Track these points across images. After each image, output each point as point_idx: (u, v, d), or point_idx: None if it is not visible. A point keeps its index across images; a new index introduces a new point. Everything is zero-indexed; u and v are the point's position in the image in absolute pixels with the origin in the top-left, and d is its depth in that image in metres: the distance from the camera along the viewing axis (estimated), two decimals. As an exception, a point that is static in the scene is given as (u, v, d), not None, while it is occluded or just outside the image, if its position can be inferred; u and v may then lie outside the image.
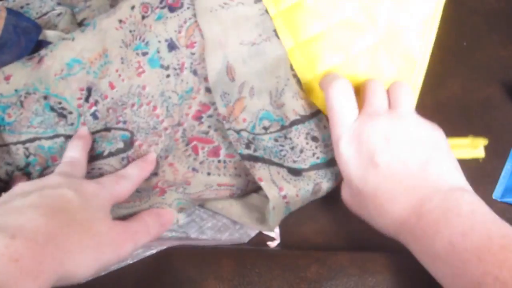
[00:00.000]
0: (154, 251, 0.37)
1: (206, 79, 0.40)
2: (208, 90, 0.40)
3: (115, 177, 0.36)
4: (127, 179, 0.36)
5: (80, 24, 0.49)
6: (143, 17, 0.41)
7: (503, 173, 0.42)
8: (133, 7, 0.41)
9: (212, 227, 0.40)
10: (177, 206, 0.38)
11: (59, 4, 0.52)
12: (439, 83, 0.43)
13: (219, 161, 0.39)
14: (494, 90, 0.45)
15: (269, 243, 0.39)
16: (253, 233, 0.40)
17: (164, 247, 0.37)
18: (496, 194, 0.41)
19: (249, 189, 0.39)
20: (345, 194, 0.36)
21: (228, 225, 0.40)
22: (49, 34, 0.47)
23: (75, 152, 0.37)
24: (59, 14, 0.50)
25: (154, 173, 0.40)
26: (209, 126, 0.40)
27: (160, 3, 0.40)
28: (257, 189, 0.40)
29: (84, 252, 0.29)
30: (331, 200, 0.40)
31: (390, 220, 0.32)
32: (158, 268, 0.36)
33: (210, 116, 0.40)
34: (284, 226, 0.39)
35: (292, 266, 0.35)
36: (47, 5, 0.51)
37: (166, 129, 0.40)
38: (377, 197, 0.32)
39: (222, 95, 0.39)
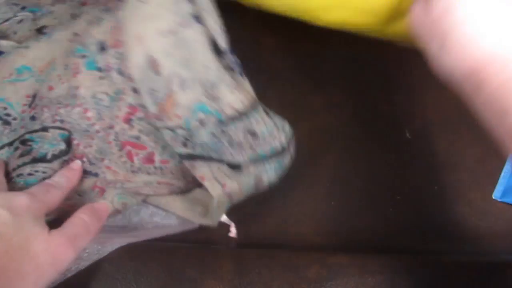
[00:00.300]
0: (110, 249, 0.37)
1: (131, 79, 0.38)
2: (134, 90, 0.38)
3: (44, 185, 0.36)
4: (56, 187, 0.36)
5: (39, 31, 0.48)
6: (89, 24, 0.41)
7: (503, 173, 0.42)
8: (88, 20, 0.42)
9: (165, 216, 0.40)
10: (118, 201, 0.37)
11: (23, 8, 0.51)
12: (439, 83, 0.43)
13: (155, 167, 0.39)
14: (494, 90, 0.45)
15: (230, 234, 0.39)
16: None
17: (117, 244, 0.38)
18: (496, 194, 0.41)
19: (190, 188, 0.39)
20: (418, 10, 0.30)
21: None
22: (3, 44, 0.47)
23: None
24: (20, 21, 0.50)
25: (95, 174, 0.40)
26: (140, 130, 0.39)
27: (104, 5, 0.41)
28: (199, 185, 0.39)
29: (24, 279, 0.28)
30: (331, 200, 0.40)
31: (465, 59, 0.27)
32: (158, 268, 0.36)
33: (140, 119, 0.39)
34: (284, 226, 0.39)
35: (292, 266, 0.35)
36: (12, 10, 0.51)
37: (98, 132, 0.40)
38: (461, 28, 0.27)
39: (150, 93, 0.37)
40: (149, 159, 0.39)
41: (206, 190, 0.38)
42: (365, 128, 0.44)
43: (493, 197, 0.41)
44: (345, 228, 0.40)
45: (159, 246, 0.38)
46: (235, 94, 0.37)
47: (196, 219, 0.38)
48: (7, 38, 0.47)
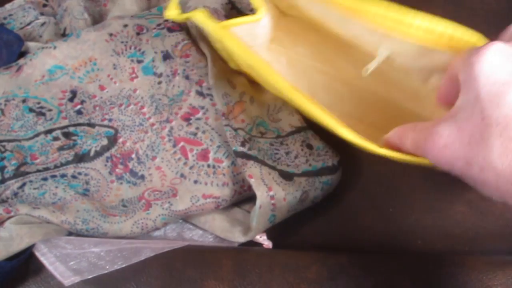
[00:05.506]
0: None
1: (197, 83, 0.42)
2: (199, 93, 0.41)
3: None
4: None
5: (64, 35, 0.50)
6: (138, 34, 0.44)
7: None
8: (126, 26, 0.44)
9: (202, 234, 0.40)
10: (161, 222, 0.38)
11: (42, 14, 0.52)
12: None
13: (208, 166, 0.39)
14: (494, 90, 0.45)
15: (264, 244, 0.39)
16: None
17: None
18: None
19: (234, 199, 0.39)
20: (445, 131, 0.25)
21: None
22: (32, 46, 0.48)
23: None
24: (42, 24, 0.51)
25: (141, 176, 0.40)
26: (197, 128, 0.41)
27: (158, 25, 0.44)
28: (241, 201, 0.40)
29: None
30: (331, 200, 0.40)
31: None
32: (158, 268, 0.36)
33: (198, 119, 0.41)
34: (284, 226, 0.39)
35: (292, 266, 0.35)
36: (31, 14, 0.51)
37: (153, 125, 0.41)
38: None
39: (223, 95, 0.40)
40: (204, 156, 0.40)
41: (245, 210, 0.40)
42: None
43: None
44: (345, 228, 0.40)
45: (159, 246, 0.38)
46: (295, 115, 0.41)
47: (236, 239, 0.38)
48: (34, 41, 0.49)
